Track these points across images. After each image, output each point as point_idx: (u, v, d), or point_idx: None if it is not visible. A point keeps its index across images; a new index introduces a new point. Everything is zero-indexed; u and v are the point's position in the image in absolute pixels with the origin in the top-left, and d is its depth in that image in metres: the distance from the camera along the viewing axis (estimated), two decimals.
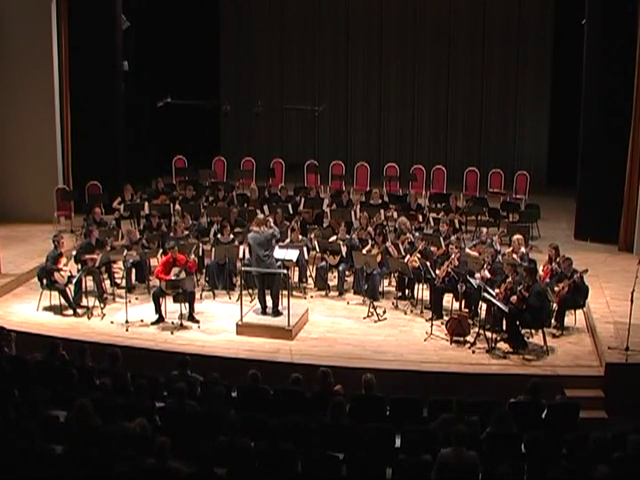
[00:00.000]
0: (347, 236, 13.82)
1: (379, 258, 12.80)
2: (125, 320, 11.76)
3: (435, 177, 18.65)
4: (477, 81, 20.65)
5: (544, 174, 20.31)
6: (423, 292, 12.66)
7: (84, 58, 16.64)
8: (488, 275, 11.75)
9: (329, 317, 12.31)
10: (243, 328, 11.50)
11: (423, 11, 20.67)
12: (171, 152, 19.48)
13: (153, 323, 11.88)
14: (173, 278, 12.03)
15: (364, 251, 13.07)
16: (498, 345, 10.97)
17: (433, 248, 13.05)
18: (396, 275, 13.05)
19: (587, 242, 15.39)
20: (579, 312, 11.95)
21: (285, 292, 11.71)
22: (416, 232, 14.11)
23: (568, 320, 11.70)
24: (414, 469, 6.96)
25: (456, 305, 11.93)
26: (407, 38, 20.81)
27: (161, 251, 13.48)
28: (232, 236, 13.80)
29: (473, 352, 10.92)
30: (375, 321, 12.09)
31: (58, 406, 8.03)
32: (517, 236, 12.96)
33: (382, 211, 15.81)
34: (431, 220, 15.44)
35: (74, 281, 12.30)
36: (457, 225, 14.80)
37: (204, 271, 13.54)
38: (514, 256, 12.50)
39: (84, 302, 12.39)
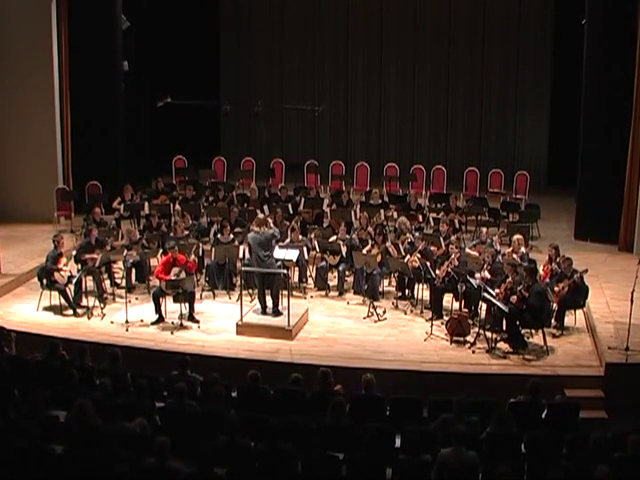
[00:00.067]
0: (347, 236, 13.82)
1: (379, 258, 12.80)
2: (125, 320, 11.76)
3: (435, 177, 18.65)
4: (477, 81, 20.66)
5: (544, 174, 20.31)
6: (423, 292, 12.66)
7: (84, 58, 16.64)
8: (488, 276, 11.75)
9: (329, 317, 12.31)
10: (243, 328, 11.50)
11: (423, 11, 20.67)
12: (171, 152, 19.48)
13: (153, 323, 11.88)
14: (173, 278, 12.02)
15: (364, 251, 13.07)
16: (498, 345, 10.97)
17: (433, 248, 13.05)
18: (396, 275, 13.05)
19: (587, 242, 15.39)
20: (579, 312, 11.95)
21: (285, 292, 11.70)
22: (416, 232, 14.11)
23: (568, 320, 11.70)
24: (414, 469, 6.95)
25: (456, 305, 11.93)
26: (407, 38, 20.82)
27: (161, 251, 13.48)
28: (232, 236, 13.80)
29: (473, 352, 10.92)
30: (375, 321, 12.09)
31: (58, 406, 8.03)
32: (517, 236, 12.96)
33: (382, 211, 15.81)
34: (431, 220, 15.44)
35: (74, 281, 12.30)
36: (457, 225, 14.80)
37: (204, 271, 13.54)
38: (514, 256, 12.50)
39: (84, 302, 12.39)
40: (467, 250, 12.93)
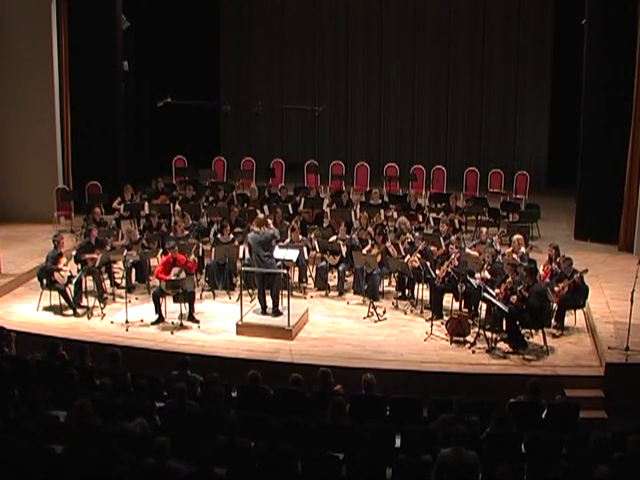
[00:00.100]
0: (347, 236, 13.82)
1: (379, 258, 12.80)
2: (125, 320, 11.76)
3: (435, 177, 18.65)
4: (477, 81, 20.66)
5: (544, 174, 20.31)
6: (423, 292, 12.66)
7: (84, 58, 16.64)
8: (488, 276, 11.75)
9: (329, 317, 12.31)
10: (243, 328, 11.49)
11: (423, 11, 20.68)
12: (171, 152, 19.48)
13: (153, 323, 11.87)
14: (173, 278, 12.02)
15: (364, 251, 13.07)
16: (498, 345, 10.97)
17: (433, 248, 13.05)
18: (396, 275, 13.05)
19: (587, 242, 15.39)
20: (579, 312, 11.95)
21: (285, 292, 11.70)
22: (416, 232, 14.11)
23: (568, 320, 11.70)
24: (414, 469, 6.95)
25: (456, 305, 11.93)
26: (407, 38, 20.82)
27: (161, 251, 13.48)
28: (232, 236, 13.80)
29: (473, 352, 10.92)
30: (375, 321, 12.09)
31: (58, 406, 8.03)
32: (517, 236, 12.96)
33: (382, 211, 15.81)
34: (431, 220, 15.44)
35: (74, 281, 12.30)
36: (457, 225, 14.80)
37: (204, 271, 13.55)
38: (514, 256, 12.50)
39: (84, 302, 12.39)
40: (467, 250, 12.93)
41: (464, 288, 11.52)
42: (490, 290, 11.12)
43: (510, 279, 11.11)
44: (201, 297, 12.84)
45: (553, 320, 11.55)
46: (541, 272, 12.21)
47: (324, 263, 13.47)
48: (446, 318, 11.71)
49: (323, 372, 8.86)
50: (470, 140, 20.97)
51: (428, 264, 12.26)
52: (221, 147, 21.68)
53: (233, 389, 8.92)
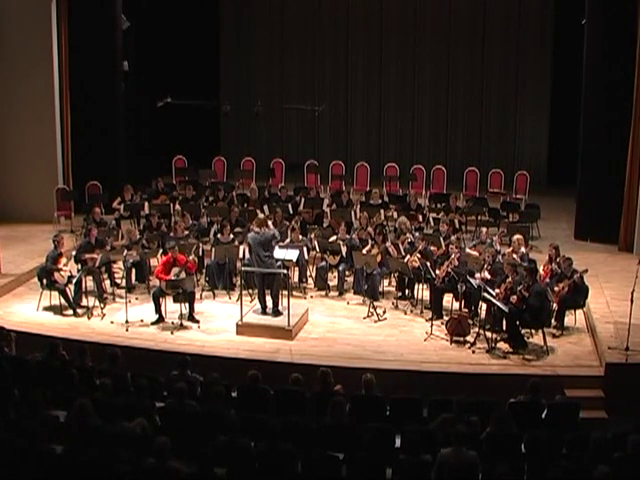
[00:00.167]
0: (347, 236, 13.82)
1: (379, 258, 12.80)
2: (125, 320, 11.76)
3: (435, 177, 18.65)
4: (477, 81, 20.66)
5: (544, 174, 20.31)
6: (423, 292, 12.66)
7: (84, 58, 16.64)
8: (488, 276, 11.75)
9: (329, 317, 12.31)
10: (243, 328, 11.49)
11: (423, 11, 20.67)
12: (171, 152, 19.48)
13: (153, 323, 11.87)
14: (173, 278, 12.02)
15: (364, 251, 13.07)
16: (498, 345, 10.97)
17: (433, 248, 13.05)
18: (396, 275, 13.05)
19: (587, 242, 15.39)
20: (579, 312, 11.95)
21: (285, 292, 11.70)
22: (416, 232, 14.11)
23: (568, 320, 11.70)
24: (414, 469, 6.95)
25: (456, 305, 11.93)
26: (407, 38, 20.81)
27: (161, 251, 13.48)
28: (232, 236, 13.80)
29: (473, 352, 10.92)
30: (375, 321, 12.09)
31: (58, 406, 8.03)
32: (517, 236, 12.96)
33: (382, 211, 15.81)
34: (431, 220, 15.45)
35: (74, 281, 12.29)
36: (457, 225, 14.80)
37: (204, 271, 13.55)
38: (514, 256, 12.50)
39: (84, 302, 12.39)
40: (467, 250, 12.93)
41: (464, 288, 11.52)
42: (490, 290, 11.12)
43: (510, 279, 11.11)
44: (201, 297, 12.84)
45: (553, 320, 11.55)
46: (541, 272, 12.21)
47: (324, 263, 13.47)
48: (446, 318, 11.71)
49: (323, 372, 8.86)
50: (470, 140, 20.96)
51: (428, 264, 12.25)
52: (221, 147, 21.68)
53: (233, 389, 8.92)
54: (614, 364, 10.26)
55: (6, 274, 13.52)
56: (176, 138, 19.98)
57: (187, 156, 19.43)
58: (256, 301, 12.18)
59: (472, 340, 11.15)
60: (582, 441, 7.24)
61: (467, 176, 18.40)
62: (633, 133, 14.52)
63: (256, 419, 7.84)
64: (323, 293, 13.26)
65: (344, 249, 13.44)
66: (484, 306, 11.54)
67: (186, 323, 11.86)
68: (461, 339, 11.23)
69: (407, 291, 12.99)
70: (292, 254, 12.04)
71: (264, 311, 11.87)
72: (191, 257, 12.81)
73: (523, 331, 11.08)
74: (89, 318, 12.08)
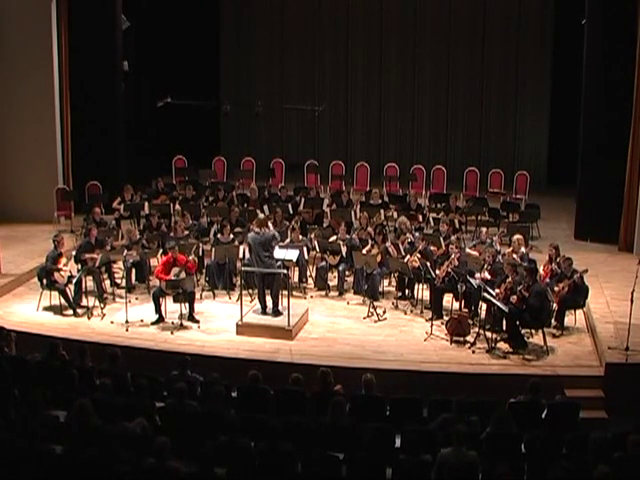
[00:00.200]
0: (347, 236, 13.82)
1: (379, 258, 12.80)
2: (125, 320, 11.76)
3: (435, 177, 18.65)
4: (477, 81, 20.66)
5: (544, 174, 20.32)
6: (423, 292, 12.66)
7: (84, 58, 16.64)
8: (488, 277, 11.75)
9: (329, 317, 12.31)
10: (243, 328, 11.49)
11: (423, 11, 20.68)
12: (171, 152, 19.48)
13: (153, 323, 11.87)
14: (173, 278, 12.02)
15: (364, 251, 13.07)
16: (498, 345, 10.97)
17: (433, 248, 13.05)
18: (396, 275, 13.05)
19: (587, 242, 15.39)
20: (579, 312, 11.95)
21: (285, 292, 11.70)
22: (416, 232, 14.11)
23: (568, 320, 11.70)
24: (414, 469, 6.96)
25: (456, 305, 11.93)
26: (407, 38, 20.82)
27: (161, 251, 13.48)
28: (232, 236, 13.80)
29: (473, 352, 10.91)
30: (375, 321, 12.09)
31: (58, 406, 8.03)
32: (517, 236, 12.96)
33: (382, 211, 15.81)
34: (431, 220, 15.45)
35: (74, 281, 12.29)
36: (457, 225, 14.80)
37: (204, 271, 13.55)
38: (514, 256, 12.50)
39: (84, 302, 12.38)
40: (467, 250, 12.93)
41: (464, 288, 11.52)
42: (490, 290, 11.12)
43: (510, 279, 11.11)
44: (201, 297, 12.84)
45: (553, 320, 11.55)
46: (541, 272, 12.21)
47: (324, 263, 13.47)
48: (446, 318, 11.71)
49: (323, 372, 8.86)
50: (470, 140, 20.96)
51: (428, 264, 12.25)
52: (221, 147, 21.68)
53: (233, 389, 8.92)
54: (614, 364, 10.26)
55: (6, 274, 13.52)
56: (176, 138, 19.99)
57: (187, 156, 19.43)
58: (256, 301, 12.18)
59: (472, 340, 11.14)
60: (582, 441, 7.22)
61: (467, 176, 18.40)
62: (633, 133, 14.52)
63: (256, 419, 7.84)
64: (323, 293, 13.26)
65: (344, 249, 13.44)
66: (484, 306, 11.54)
67: (186, 323, 11.86)
68: (461, 339, 11.23)
69: (407, 291, 12.99)
70: (292, 254, 12.04)
71: (264, 311, 11.87)
72: (191, 257, 12.81)
73: (523, 331, 11.08)
74: (89, 318, 12.08)
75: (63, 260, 12.46)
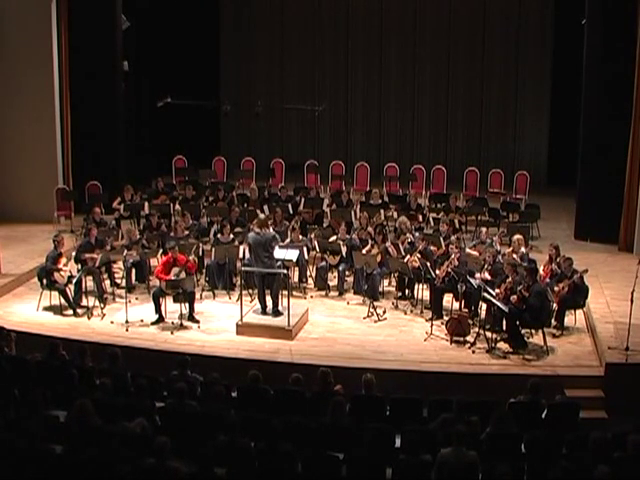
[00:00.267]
0: (347, 236, 13.82)
1: (379, 258, 12.81)
2: (125, 320, 11.76)
3: (435, 177, 18.65)
4: (477, 81, 20.66)
5: (544, 174, 20.32)
6: (423, 292, 12.66)
7: (84, 58, 16.64)
8: (488, 277, 11.75)
9: (329, 317, 12.31)
10: (243, 328, 11.49)
11: (423, 11, 20.68)
12: (171, 152, 19.48)
13: (153, 323, 11.87)
14: (173, 278, 12.02)
15: (364, 251, 13.07)
16: (498, 345, 10.97)
17: (433, 248, 13.05)
18: (396, 275, 13.05)
19: (587, 242, 15.39)
20: (579, 312, 11.95)
21: (285, 292, 11.70)
22: (416, 232, 14.11)
23: (568, 320, 11.70)
24: (414, 469, 6.96)
25: (456, 305, 11.93)
26: (407, 38, 20.82)
27: (161, 251, 13.48)
28: (232, 236, 13.81)
29: (473, 352, 10.91)
30: (375, 321, 12.09)
31: (58, 406, 8.03)
32: (517, 236, 12.96)
33: (382, 211, 15.81)
34: (431, 220, 15.45)
35: (74, 281, 12.30)
36: (457, 225, 14.80)
37: (204, 271, 13.55)
38: (514, 256, 12.50)
39: (84, 302, 12.39)
40: (467, 250, 12.93)
41: (464, 288, 11.52)
42: (490, 290, 11.12)
43: (510, 279, 11.11)
44: (201, 297, 12.84)
45: (553, 320, 11.55)
46: (541, 272, 12.21)
47: (324, 263, 13.47)
48: (446, 318, 11.70)
49: (323, 372, 8.87)
50: (470, 140, 20.97)
51: (428, 264, 12.25)
52: (221, 147, 21.68)
53: (233, 389, 8.92)
54: (614, 364, 10.25)
55: (6, 274, 13.52)
56: (176, 138, 19.99)
57: (187, 156, 19.42)
58: (256, 301, 12.18)
59: (472, 340, 11.14)
60: (582, 441, 7.24)
61: (467, 176, 18.39)
62: (633, 133, 14.52)
63: (256, 419, 7.84)
64: (323, 293, 13.26)
65: (344, 249, 13.44)
66: (484, 306, 11.54)
67: (186, 323, 11.86)
68: (461, 339, 11.23)
69: (407, 291, 12.99)
70: (292, 254, 12.03)
71: (264, 311, 11.87)
72: (191, 257, 12.81)
73: (523, 331, 11.08)
74: (89, 318, 12.08)
75: (63, 260, 12.46)
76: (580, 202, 15.82)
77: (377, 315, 12.15)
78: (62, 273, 12.22)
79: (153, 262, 13.42)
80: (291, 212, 15.47)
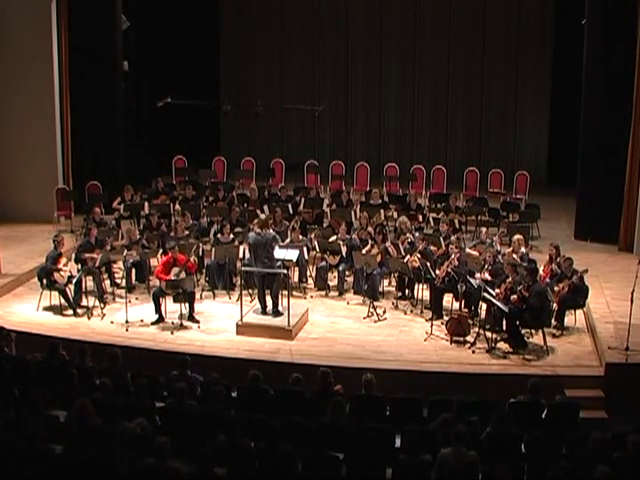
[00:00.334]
0: (347, 236, 13.82)
1: (379, 258, 12.81)
2: (125, 320, 11.76)
3: (435, 177, 18.65)
4: (477, 81, 20.66)
5: (544, 174, 20.32)
6: (423, 292, 12.66)
7: (84, 58, 16.64)
8: (488, 277, 11.75)
9: (329, 317, 12.31)
10: (243, 328, 11.49)
11: (423, 11, 20.68)
12: (171, 152, 19.48)
13: (153, 323, 11.87)
14: (173, 278, 12.02)
15: (364, 251, 13.07)
16: (498, 345, 10.97)
17: (433, 248, 13.04)
18: (396, 275, 13.05)
19: (587, 242, 15.39)
20: (579, 312, 11.95)
21: (285, 292, 11.70)
22: (416, 232, 14.11)
23: (568, 320, 11.70)
24: (414, 469, 6.96)
25: (456, 305, 11.93)
26: (407, 38, 20.82)
27: (161, 251, 13.48)
28: (232, 236, 13.81)
29: (473, 352, 10.91)
30: (375, 321, 12.09)
31: (58, 406, 8.03)
32: (517, 236, 12.96)
33: (382, 211, 15.81)
34: (431, 220, 15.45)
35: (74, 281, 12.30)
36: (457, 225, 14.81)
37: (204, 271, 13.55)
38: (514, 256, 12.50)
39: (84, 302, 12.39)
40: (467, 250, 12.93)
41: (464, 288, 11.51)
42: (490, 290, 11.12)
43: (510, 279, 11.11)
44: (201, 297, 12.84)
45: (553, 320, 11.55)
46: (541, 272, 12.21)
47: (324, 263, 13.47)
48: (446, 318, 11.71)
49: (323, 372, 8.87)
50: (470, 140, 20.96)
51: (428, 264, 12.25)
52: (221, 147, 21.68)
53: (233, 389, 8.92)
54: (614, 364, 10.26)
55: (6, 274, 13.52)
56: (176, 138, 19.99)
57: (187, 156, 19.42)
58: (256, 301, 12.18)
59: (472, 340, 11.14)
60: (582, 441, 7.24)
61: (467, 176, 18.39)
62: (633, 133, 14.52)
63: (256, 419, 7.84)
64: (323, 293, 13.26)
65: (344, 249, 13.44)
66: (484, 306, 11.54)
67: (186, 323, 11.86)
68: (461, 339, 11.23)
69: (407, 291, 12.99)
70: (292, 254, 12.03)
71: (264, 311, 11.87)
72: (191, 257, 12.80)
73: (523, 331, 11.08)
74: (89, 318, 12.08)
75: (63, 260, 12.46)
76: (580, 202, 15.82)
77: (377, 315, 12.15)
78: (62, 273, 12.22)
79: (153, 262, 13.42)
80: (291, 212, 15.47)
